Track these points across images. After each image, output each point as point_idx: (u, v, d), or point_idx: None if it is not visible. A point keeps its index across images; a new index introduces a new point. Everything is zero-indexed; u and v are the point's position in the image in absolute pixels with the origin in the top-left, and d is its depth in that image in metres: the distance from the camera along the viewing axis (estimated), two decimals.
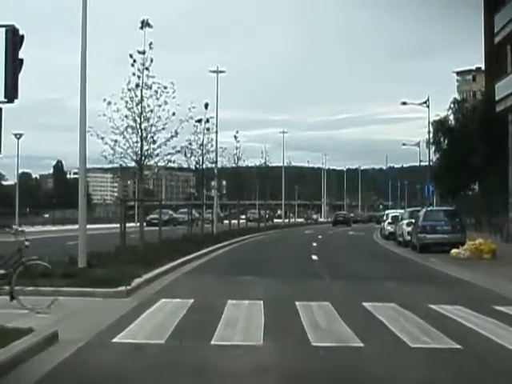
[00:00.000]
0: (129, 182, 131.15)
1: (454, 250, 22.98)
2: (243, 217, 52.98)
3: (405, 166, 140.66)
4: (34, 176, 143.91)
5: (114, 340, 7.91)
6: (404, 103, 49.54)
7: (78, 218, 15.32)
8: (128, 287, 12.31)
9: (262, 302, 11.28)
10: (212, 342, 7.85)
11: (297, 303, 11.14)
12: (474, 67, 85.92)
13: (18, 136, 53.21)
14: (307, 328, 8.79)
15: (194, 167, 31.14)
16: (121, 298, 11.73)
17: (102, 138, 18.67)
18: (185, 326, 8.91)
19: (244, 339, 8.03)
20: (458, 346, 7.72)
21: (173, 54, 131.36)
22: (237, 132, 40.81)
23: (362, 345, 7.75)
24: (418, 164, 65.98)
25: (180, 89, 19.33)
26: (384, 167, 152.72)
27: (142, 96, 18.94)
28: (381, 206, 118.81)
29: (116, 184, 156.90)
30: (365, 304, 11.21)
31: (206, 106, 30.43)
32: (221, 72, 41.73)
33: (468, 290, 14.18)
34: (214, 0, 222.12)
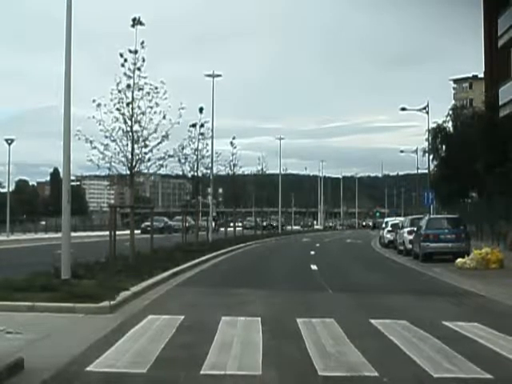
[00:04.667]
0: (125, 189, 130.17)
1: (459, 260, 22.07)
2: (239, 224, 52.09)
3: (400, 173, 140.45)
4: (31, 183, 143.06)
5: (89, 368, 6.78)
6: (403, 109, 48.62)
7: (62, 226, 14.19)
8: (112, 302, 11.20)
9: (259, 318, 10.23)
10: (202, 372, 6.71)
11: (298, 320, 10.12)
12: (470, 75, 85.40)
13: (10, 141, 52.17)
14: (312, 352, 7.69)
15: (188, 174, 30.30)
16: (104, 314, 10.64)
17: (91, 142, 17.90)
18: (172, 351, 7.78)
19: (239, 367, 6.90)
20: (489, 376, 6.65)
21: (166, 63, 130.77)
22: (233, 138, 39.90)
23: (376, 374, 6.67)
24: (413, 172, 65.75)
25: (172, 99, 18.67)
26: (379, 175, 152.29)
27: (133, 97, 18.13)
28: (377, 214, 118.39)
29: (112, 191, 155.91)
30: (372, 321, 10.19)
31: (201, 109, 29.56)
32: (217, 76, 40.72)
33: (481, 303, 13.15)
34: (206, 8, 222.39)
